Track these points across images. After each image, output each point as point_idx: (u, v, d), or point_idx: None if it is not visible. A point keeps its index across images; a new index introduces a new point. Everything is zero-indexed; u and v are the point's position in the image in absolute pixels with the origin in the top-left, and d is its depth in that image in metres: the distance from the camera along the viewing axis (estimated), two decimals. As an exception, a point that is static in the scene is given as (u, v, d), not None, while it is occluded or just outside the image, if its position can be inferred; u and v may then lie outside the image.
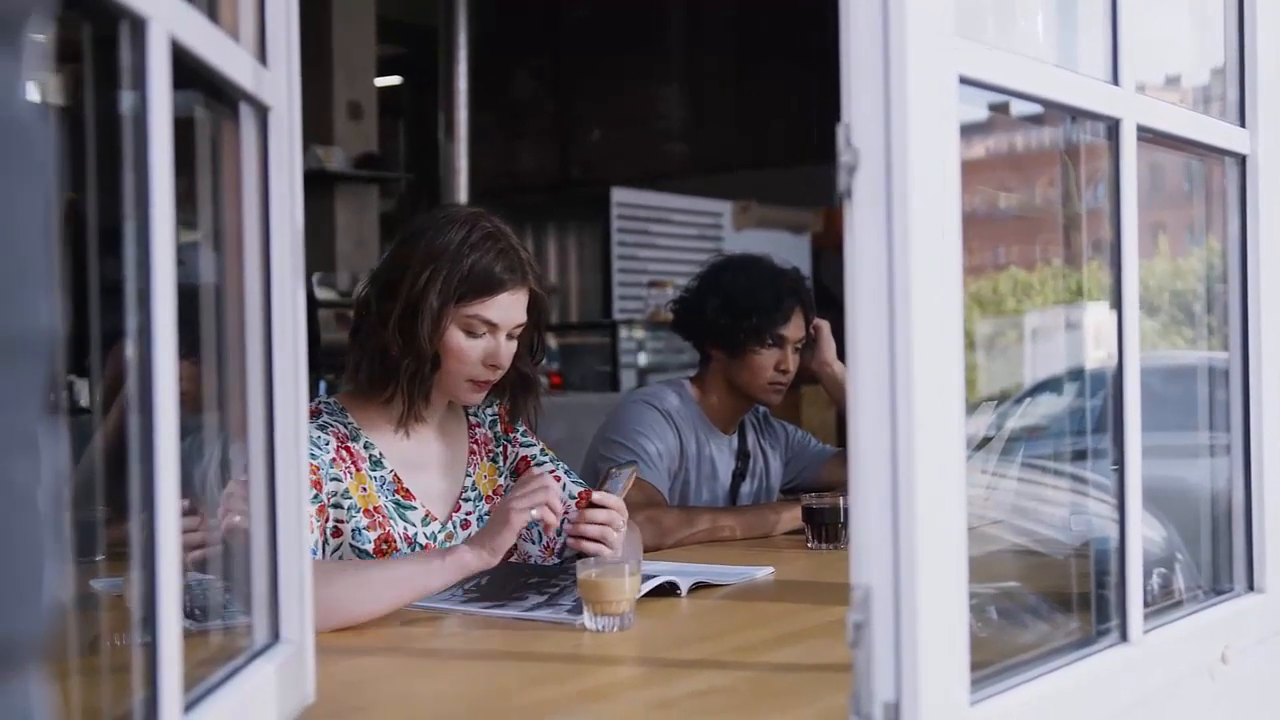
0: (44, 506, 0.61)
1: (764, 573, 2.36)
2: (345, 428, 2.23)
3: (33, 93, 0.61)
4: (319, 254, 7.14)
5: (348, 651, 1.78)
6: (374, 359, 2.22)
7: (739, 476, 3.15)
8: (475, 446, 2.40)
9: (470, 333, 2.21)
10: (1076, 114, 1.56)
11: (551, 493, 2.03)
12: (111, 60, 1.03)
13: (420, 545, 2.23)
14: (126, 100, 1.03)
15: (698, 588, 2.19)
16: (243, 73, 1.28)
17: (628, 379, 7.44)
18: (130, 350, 1.04)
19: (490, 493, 2.38)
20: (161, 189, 1.03)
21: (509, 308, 2.23)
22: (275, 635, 1.38)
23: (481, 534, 2.04)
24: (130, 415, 1.04)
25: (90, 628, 1.38)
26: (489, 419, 2.45)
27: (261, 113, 1.36)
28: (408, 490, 2.25)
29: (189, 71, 1.13)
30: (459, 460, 2.36)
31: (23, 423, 0.59)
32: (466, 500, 2.35)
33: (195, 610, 1.40)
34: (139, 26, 1.00)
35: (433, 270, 2.17)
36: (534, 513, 2.00)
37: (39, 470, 0.60)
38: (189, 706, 1.10)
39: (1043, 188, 2.11)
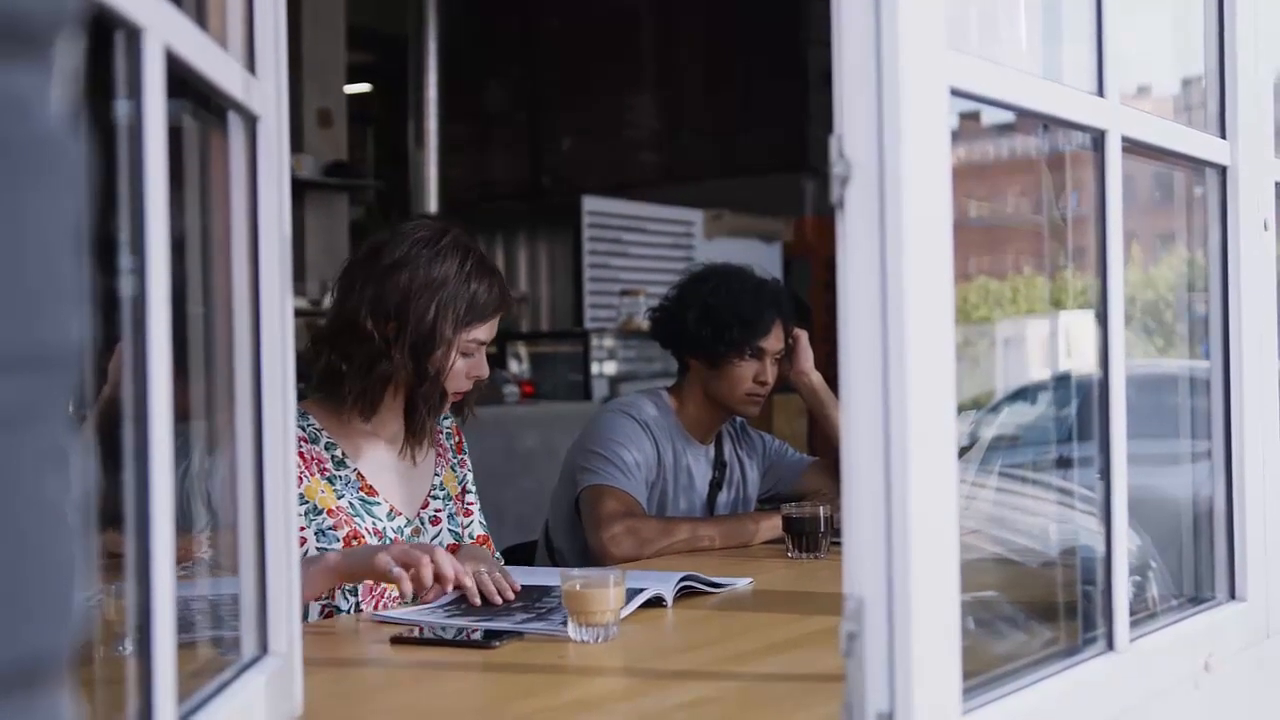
0: (73, 520, 0.60)
1: (744, 583, 2.36)
2: (304, 430, 2.26)
3: (62, 105, 0.60)
4: (289, 262, 7.08)
5: (335, 665, 1.77)
6: (378, 385, 2.28)
7: (716, 486, 3.14)
8: (440, 450, 2.49)
9: (465, 354, 2.32)
10: (1063, 125, 1.57)
11: (424, 569, 2.00)
12: (102, 68, 1.02)
13: (389, 539, 2.30)
14: (120, 109, 1.02)
15: (683, 594, 2.19)
16: (232, 82, 1.28)
17: (600, 388, 7.43)
18: (116, 359, 1.03)
19: (455, 495, 2.48)
20: (156, 197, 1.02)
21: (496, 326, 2.37)
22: (264, 648, 1.37)
23: (350, 556, 2.06)
24: (113, 424, 1.03)
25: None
26: (446, 428, 2.54)
27: (250, 122, 1.35)
28: (372, 487, 2.32)
29: (179, 80, 1.12)
30: (426, 461, 2.44)
31: (53, 436, 0.58)
32: (435, 498, 2.43)
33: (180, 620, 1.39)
34: (134, 36, 1.00)
35: (439, 302, 2.26)
36: (395, 570, 1.97)
37: (69, 484, 0.60)
38: (181, 720, 1.10)
39: (1014, 197, 2.12)
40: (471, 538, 2.44)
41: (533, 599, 2.13)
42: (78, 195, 0.60)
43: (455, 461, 2.52)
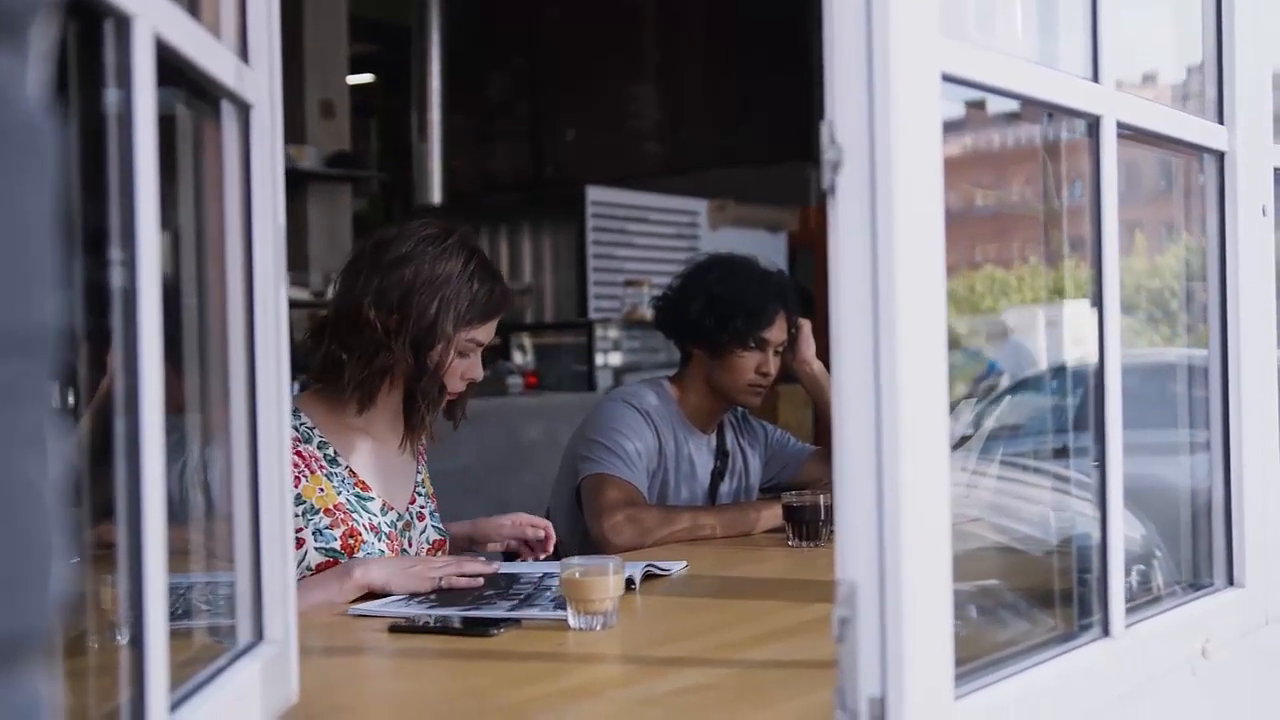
0: (51, 501, 0.61)
1: (678, 566, 2.39)
2: (296, 430, 2.28)
3: (38, 90, 0.61)
4: (291, 254, 7.05)
5: (331, 652, 1.78)
6: (376, 376, 2.30)
7: (718, 475, 3.15)
8: (421, 449, 2.53)
9: (462, 354, 2.35)
10: (1058, 111, 1.57)
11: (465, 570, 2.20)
12: (93, 57, 1.02)
13: (384, 534, 2.33)
14: (110, 98, 1.02)
15: (647, 578, 2.23)
16: (225, 70, 1.28)
17: (604, 379, 7.43)
18: (114, 351, 1.04)
19: (431, 494, 2.52)
20: (146, 187, 1.02)
21: (494, 329, 2.40)
22: (259, 635, 1.38)
23: (392, 565, 2.18)
24: (111, 415, 1.03)
25: (69, 628, 1.37)
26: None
27: (244, 111, 1.35)
28: (364, 483, 2.35)
29: (171, 69, 1.12)
30: (409, 459, 2.47)
31: (31, 417, 0.59)
32: (420, 494, 2.47)
33: (173, 609, 1.39)
34: (124, 24, 1.00)
35: (442, 299, 2.29)
36: (442, 583, 2.16)
37: (47, 465, 0.60)
38: (174, 706, 1.10)
39: (1019, 185, 2.12)
40: (428, 543, 2.45)
41: (503, 587, 2.14)
42: (53, 180, 0.61)
43: (426, 463, 2.57)
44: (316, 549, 2.24)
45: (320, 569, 2.22)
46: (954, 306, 1.92)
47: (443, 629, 1.90)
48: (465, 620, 1.92)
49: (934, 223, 1.22)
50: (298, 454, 2.25)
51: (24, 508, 0.58)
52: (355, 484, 2.33)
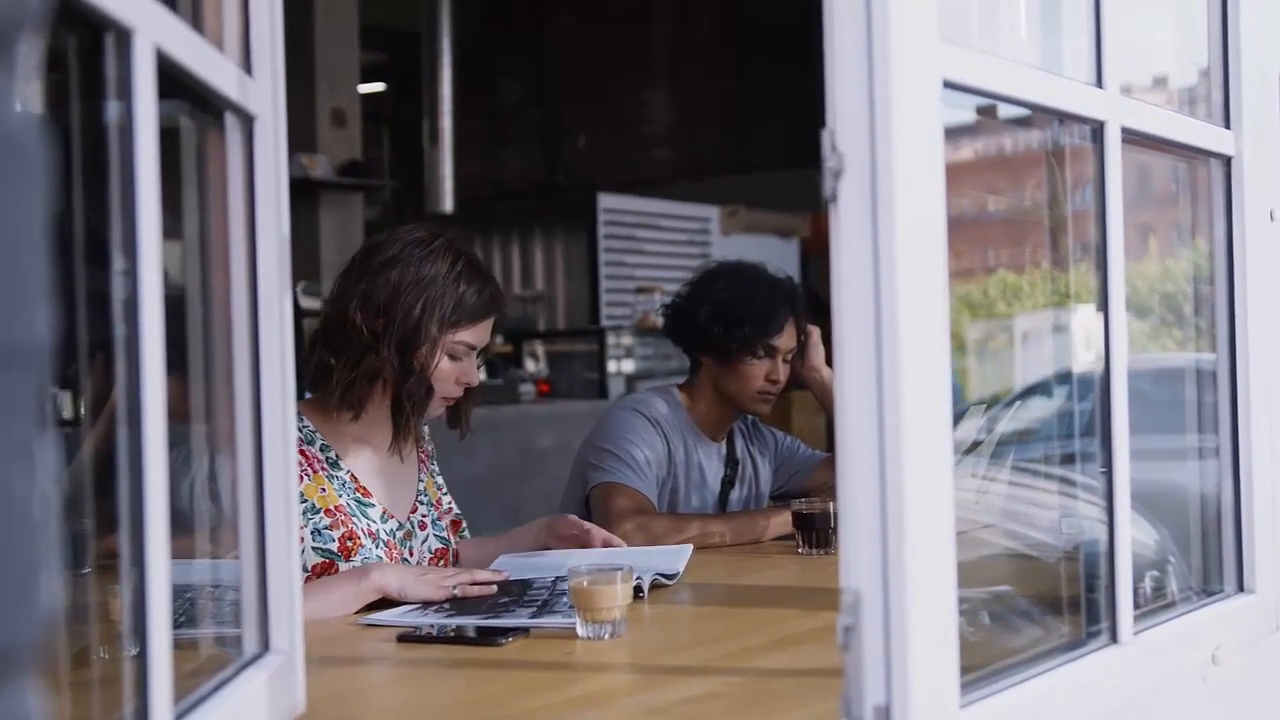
0: (40, 515, 0.61)
1: (684, 555, 2.40)
2: (300, 432, 2.29)
3: (27, 104, 0.61)
4: (303, 263, 7.10)
5: (338, 662, 1.78)
6: (363, 380, 2.30)
7: (728, 483, 3.14)
8: (424, 456, 2.53)
9: (453, 357, 2.34)
10: (1061, 117, 1.56)
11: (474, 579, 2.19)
12: (96, 70, 1.03)
13: (383, 541, 2.33)
14: (111, 110, 1.03)
15: (655, 587, 2.22)
16: (227, 82, 1.28)
17: (616, 386, 7.43)
18: (117, 362, 1.04)
19: (435, 501, 2.51)
20: (148, 198, 1.02)
21: (487, 332, 2.39)
22: (265, 645, 1.38)
23: (407, 573, 2.15)
24: (117, 427, 1.04)
25: (77, 639, 1.37)
26: (425, 438, 2.58)
27: (247, 122, 1.36)
28: (365, 489, 2.35)
29: (173, 81, 1.13)
30: (410, 467, 2.47)
31: (19, 431, 0.59)
32: (422, 503, 2.47)
33: (179, 619, 1.39)
34: (124, 37, 1.00)
35: (426, 300, 2.29)
36: (456, 591, 2.13)
37: (35, 478, 0.61)
38: (179, 717, 1.10)
39: (1031, 190, 2.12)
40: (430, 551, 2.45)
41: (517, 594, 2.14)
42: (43, 195, 0.61)
43: (434, 470, 2.56)
44: (314, 549, 2.24)
45: (317, 570, 2.22)
46: (968, 311, 1.92)
47: (451, 638, 1.89)
48: (479, 629, 1.92)
49: (936, 230, 1.22)
50: (301, 454, 2.25)
51: (7, 522, 0.59)
52: (356, 489, 2.33)
